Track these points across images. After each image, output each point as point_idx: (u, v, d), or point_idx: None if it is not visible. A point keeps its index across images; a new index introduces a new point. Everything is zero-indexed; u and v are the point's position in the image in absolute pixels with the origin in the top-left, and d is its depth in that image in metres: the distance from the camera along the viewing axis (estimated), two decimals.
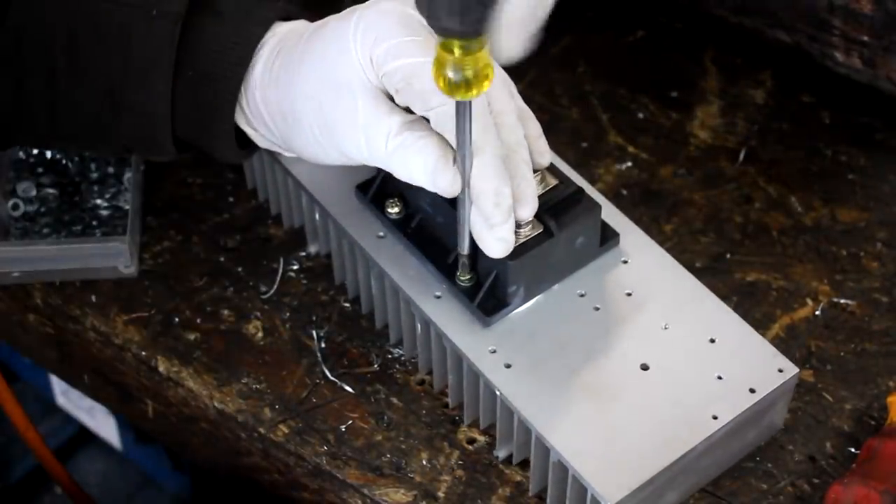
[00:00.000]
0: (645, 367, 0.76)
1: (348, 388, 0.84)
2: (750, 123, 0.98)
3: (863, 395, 0.83)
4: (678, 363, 0.76)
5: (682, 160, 0.96)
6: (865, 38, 0.89)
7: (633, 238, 0.81)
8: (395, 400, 0.83)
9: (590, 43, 1.04)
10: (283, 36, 0.78)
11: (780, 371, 0.76)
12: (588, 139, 0.97)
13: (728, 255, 0.90)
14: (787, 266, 0.89)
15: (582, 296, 0.79)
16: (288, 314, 0.87)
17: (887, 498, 0.73)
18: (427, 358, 0.82)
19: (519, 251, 0.75)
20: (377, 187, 0.81)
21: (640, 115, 0.99)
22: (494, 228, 0.73)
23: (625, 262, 0.80)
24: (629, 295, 0.79)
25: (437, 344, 0.79)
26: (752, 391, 0.75)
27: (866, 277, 0.88)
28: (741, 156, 0.96)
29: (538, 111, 0.98)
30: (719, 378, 0.75)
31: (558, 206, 0.76)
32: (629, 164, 0.95)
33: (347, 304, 0.87)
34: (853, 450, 0.80)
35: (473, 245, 0.76)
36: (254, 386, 0.84)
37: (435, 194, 0.77)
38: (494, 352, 0.76)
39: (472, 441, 0.81)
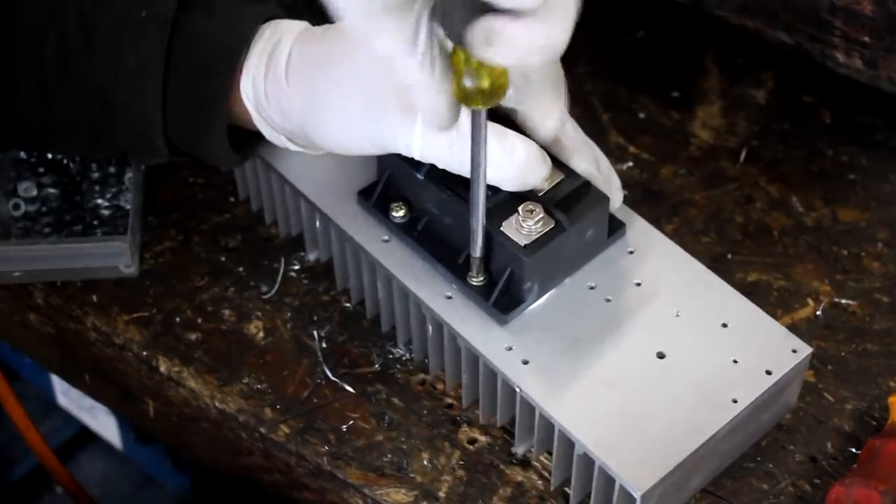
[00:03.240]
0: (661, 356, 0.76)
1: (349, 388, 0.84)
2: (751, 123, 0.98)
3: (864, 395, 0.83)
4: (693, 349, 0.76)
5: (683, 160, 0.96)
6: (866, 39, 0.89)
7: (637, 228, 0.81)
8: (396, 400, 0.83)
9: (590, 43, 1.04)
10: (287, 28, 0.78)
11: (794, 351, 0.76)
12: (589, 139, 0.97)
13: (729, 256, 0.90)
14: (788, 266, 0.89)
15: (592, 288, 0.79)
16: (289, 314, 0.87)
17: (888, 498, 0.73)
18: (438, 359, 0.82)
19: (533, 247, 0.75)
20: (380, 192, 0.81)
21: (641, 115, 0.99)
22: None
23: (631, 252, 0.80)
24: (639, 285, 0.79)
25: (449, 344, 0.79)
26: (768, 373, 0.75)
27: (867, 277, 0.89)
28: (742, 156, 0.96)
29: None
30: (735, 362, 0.76)
31: (567, 199, 0.77)
32: (630, 164, 0.95)
33: (348, 305, 0.87)
34: (854, 450, 0.80)
35: (486, 246, 0.76)
36: (255, 386, 0.84)
37: (442, 196, 0.77)
38: (511, 349, 0.76)
39: (473, 441, 0.81)
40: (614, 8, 1.06)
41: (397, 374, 0.84)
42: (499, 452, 0.80)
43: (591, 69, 1.02)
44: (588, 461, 0.73)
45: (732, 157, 0.96)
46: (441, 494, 0.79)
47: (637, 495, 0.71)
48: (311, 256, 0.89)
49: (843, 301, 0.87)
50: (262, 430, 0.82)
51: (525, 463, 0.80)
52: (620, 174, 0.94)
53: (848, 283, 0.88)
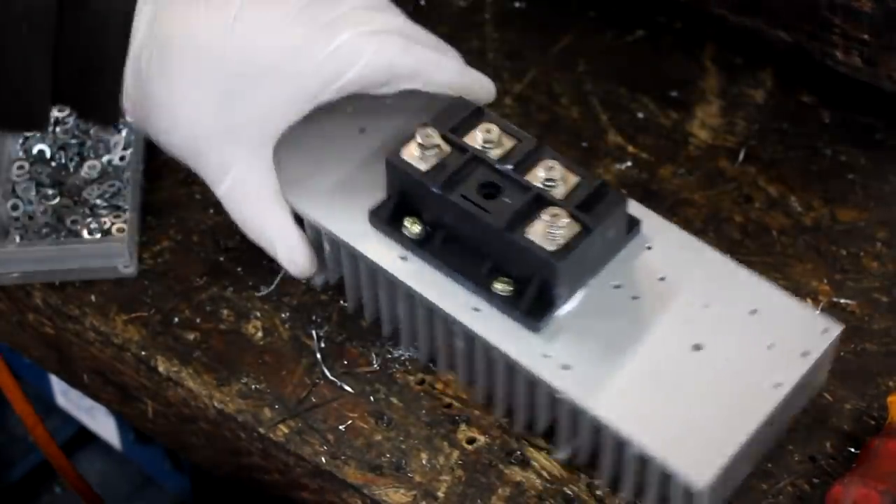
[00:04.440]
0: (698, 347, 0.76)
1: (348, 388, 0.84)
2: (750, 123, 0.98)
3: (863, 394, 0.83)
4: (728, 338, 0.76)
5: (682, 160, 0.96)
6: (866, 37, 0.89)
7: (651, 223, 0.81)
8: (394, 399, 0.83)
9: (590, 43, 1.04)
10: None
11: (826, 331, 0.76)
12: (588, 139, 0.97)
13: (728, 255, 0.89)
14: (787, 266, 0.89)
15: (618, 287, 0.78)
16: (287, 314, 0.87)
17: (887, 498, 0.72)
18: (468, 371, 0.81)
19: (563, 252, 0.74)
20: (393, 209, 0.79)
21: (640, 115, 0.99)
22: None
23: (649, 247, 0.80)
24: (662, 279, 0.79)
25: (481, 356, 0.78)
26: (804, 354, 0.75)
27: (866, 277, 0.88)
28: (741, 155, 0.96)
29: (538, 111, 0.99)
30: (771, 346, 0.76)
31: (588, 201, 0.76)
32: (629, 163, 0.95)
33: (347, 304, 0.87)
34: (853, 450, 0.80)
35: (513, 253, 0.75)
36: (253, 386, 0.84)
37: (460, 207, 0.75)
38: (548, 356, 0.75)
39: (472, 441, 0.81)
40: (614, 7, 1.06)
41: (396, 374, 0.84)
42: (498, 452, 0.80)
43: (590, 69, 1.02)
44: (643, 460, 0.73)
45: (731, 156, 0.96)
46: (440, 494, 0.79)
47: (699, 489, 0.70)
48: (318, 280, 0.87)
49: (842, 301, 0.87)
50: (261, 430, 0.82)
51: (524, 463, 0.80)
52: (619, 174, 0.95)
53: (847, 282, 0.88)
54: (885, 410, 0.81)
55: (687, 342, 0.76)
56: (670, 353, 0.76)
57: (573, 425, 0.77)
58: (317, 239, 0.83)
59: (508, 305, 0.76)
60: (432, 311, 0.78)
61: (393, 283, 0.80)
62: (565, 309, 0.77)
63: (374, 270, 0.80)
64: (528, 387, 0.77)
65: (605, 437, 0.74)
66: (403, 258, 0.79)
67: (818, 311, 0.77)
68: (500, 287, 0.76)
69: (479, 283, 0.77)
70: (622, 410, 0.73)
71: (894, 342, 0.85)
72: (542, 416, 0.79)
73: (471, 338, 0.77)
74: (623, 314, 0.77)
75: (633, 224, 0.80)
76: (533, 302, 0.76)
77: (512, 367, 0.76)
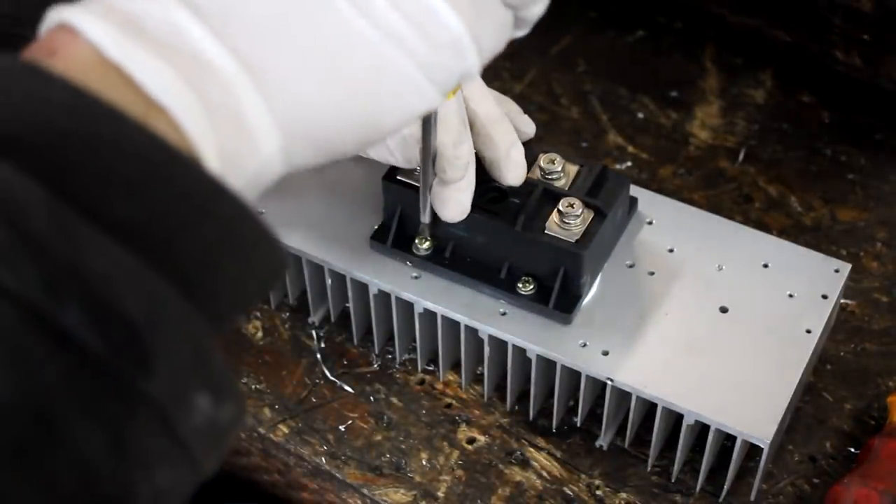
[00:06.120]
0: (724, 310, 0.77)
1: (348, 388, 0.84)
2: (750, 123, 0.98)
3: (863, 394, 0.83)
4: (750, 296, 0.77)
5: (682, 160, 0.96)
6: (866, 37, 0.89)
7: (645, 199, 0.82)
8: (394, 400, 0.83)
9: (590, 43, 1.04)
10: None
11: (837, 271, 0.78)
12: (588, 139, 0.97)
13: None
14: None
15: (631, 266, 0.79)
16: (287, 314, 0.87)
17: (887, 498, 0.72)
18: (496, 378, 0.81)
19: (584, 241, 0.74)
20: (396, 230, 0.78)
21: (640, 115, 0.99)
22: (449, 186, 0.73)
23: (650, 222, 0.81)
24: (671, 251, 0.79)
25: (515, 359, 0.78)
26: (824, 297, 0.77)
27: (866, 277, 0.88)
28: (741, 156, 0.96)
29: (538, 111, 0.99)
30: (791, 296, 0.77)
31: (595, 186, 0.76)
32: (629, 163, 0.95)
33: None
34: (853, 450, 0.80)
35: (533, 251, 0.75)
36: (253, 386, 0.84)
37: (470, 217, 0.74)
38: (585, 345, 0.75)
39: (472, 441, 0.81)
40: (614, 7, 1.06)
41: (396, 374, 0.84)
42: (498, 452, 0.80)
43: (590, 69, 1.02)
44: (700, 428, 0.74)
45: (731, 156, 0.96)
46: (440, 494, 0.79)
47: (765, 445, 0.71)
48: (317, 318, 0.86)
49: (842, 301, 0.87)
50: (261, 430, 0.82)
51: (524, 463, 0.80)
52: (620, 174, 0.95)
53: (847, 282, 0.88)
54: (885, 410, 0.81)
55: (713, 307, 0.77)
56: (700, 320, 0.76)
57: (620, 409, 0.78)
58: (318, 275, 0.82)
59: (537, 304, 0.76)
60: (458, 324, 0.78)
61: (409, 305, 0.79)
62: (588, 296, 0.77)
63: (388, 296, 0.79)
64: (569, 380, 0.78)
65: (658, 413, 0.74)
66: (416, 277, 0.78)
67: (825, 255, 0.79)
68: (524, 287, 0.76)
69: (501, 286, 0.76)
70: (671, 384, 0.74)
71: (894, 342, 0.85)
72: (584, 406, 0.79)
73: (501, 343, 0.77)
74: (644, 291, 0.78)
75: (632, 203, 0.81)
76: (561, 295, 0.76)
77: (552, 364, 0.76)
